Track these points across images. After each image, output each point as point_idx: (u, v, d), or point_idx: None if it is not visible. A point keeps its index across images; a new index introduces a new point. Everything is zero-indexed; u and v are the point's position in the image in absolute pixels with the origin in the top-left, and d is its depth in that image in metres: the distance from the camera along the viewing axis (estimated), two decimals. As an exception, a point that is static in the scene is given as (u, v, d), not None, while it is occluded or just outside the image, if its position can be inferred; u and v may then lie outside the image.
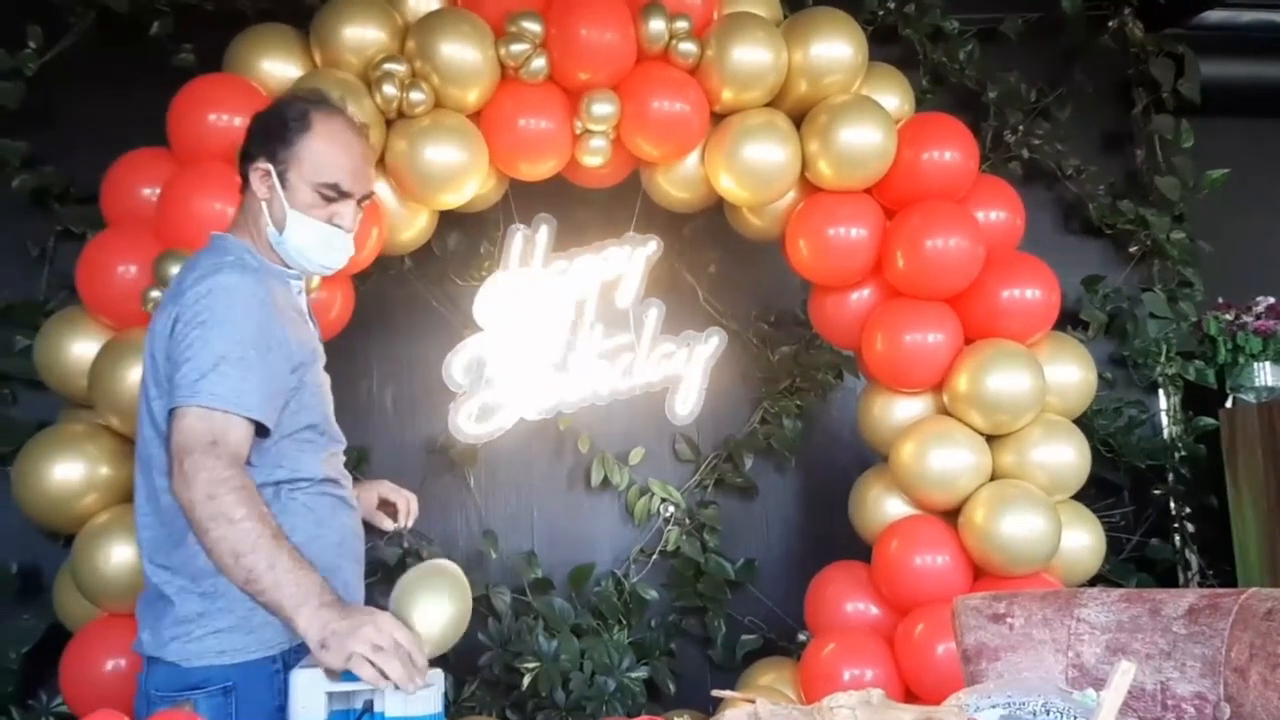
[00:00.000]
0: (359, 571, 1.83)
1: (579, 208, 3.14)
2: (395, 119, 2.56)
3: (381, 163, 2.58)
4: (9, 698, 2.74)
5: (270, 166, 1.72)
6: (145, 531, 1.69)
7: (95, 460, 2.40)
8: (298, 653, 1.61)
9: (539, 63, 2.57)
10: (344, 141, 1.76)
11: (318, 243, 1.75)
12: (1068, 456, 2.72)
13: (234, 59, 2.57)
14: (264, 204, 1.73)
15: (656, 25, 2.60)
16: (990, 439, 2.74)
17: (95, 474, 2.40)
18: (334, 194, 1.74)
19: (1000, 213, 2.82)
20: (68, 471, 2.40)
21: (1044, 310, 2.76)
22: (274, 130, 1.73)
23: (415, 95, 2.51)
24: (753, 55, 2.64)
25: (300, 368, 1.71)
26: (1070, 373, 2.81)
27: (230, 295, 1.60)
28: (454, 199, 2.63)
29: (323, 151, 1.73)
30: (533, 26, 2.55)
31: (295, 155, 1.71)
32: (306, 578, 1.46)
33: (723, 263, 3.38)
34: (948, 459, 2.67)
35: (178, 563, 1.65)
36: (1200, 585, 3.41)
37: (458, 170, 2.55)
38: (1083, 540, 2.73)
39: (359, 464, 3.10)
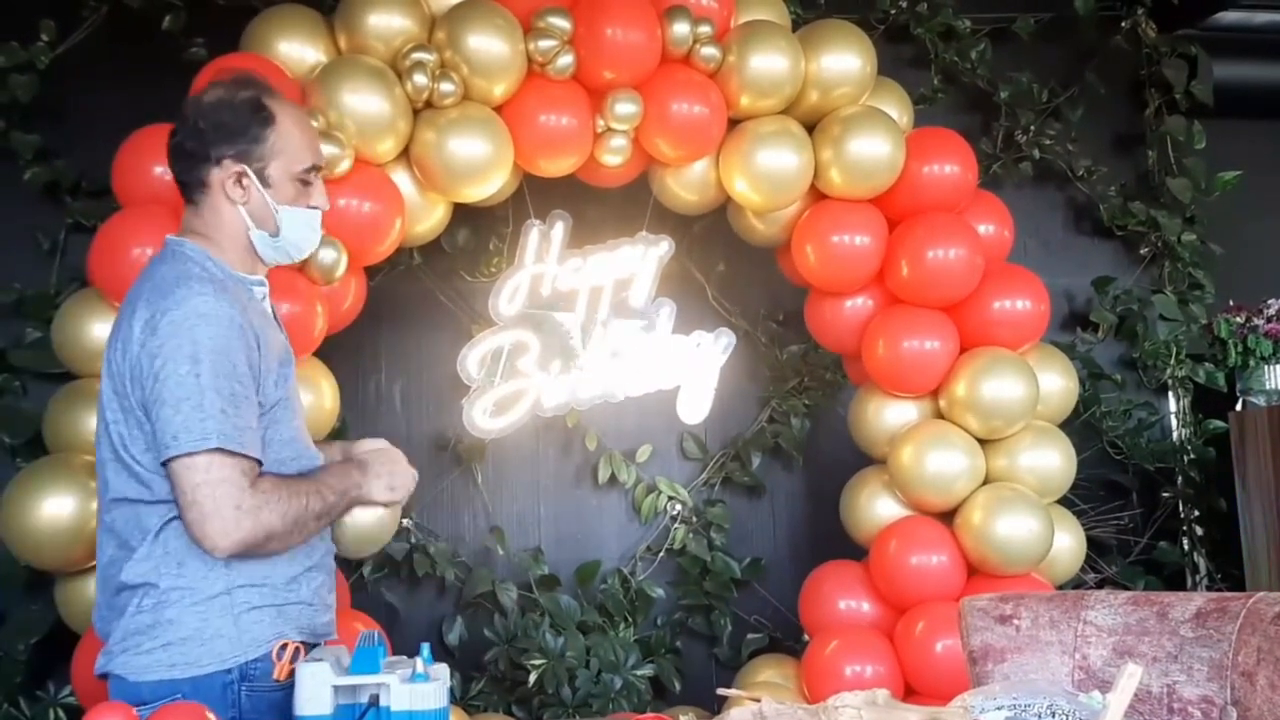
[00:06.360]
0: (334, 586, 1.79)
1: (591, 205, 3.14)
2: (422, 109, 2.55)
3: (406, 154, 2.57)
4: (17, 688, 2.75)
5: (245, 167, 1.64)
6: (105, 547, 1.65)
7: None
8: (258, 664, 1.57)
9: (566, 60, 2.56)
10: (302, 120, 1.71)
11: (308, 230, 1.73)
12: (1055, 462, 2.81)
13: (252, 40, 2.53)
14: (240, 207, 1.65)
15: (681, 29, 2.61)
16: (983, 444, 2.79)
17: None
18: (311, 176, 1.70)
19: (990, 226, 2.88)
20: (58, 507, 2.31)
21: (1034, 320, 2.84)
22: (236, 128, 1.63)
23: (446, 86, 2.49)
24: (772, 63, 2.66)
25: (281, 381, 1.67)
26: (1054, 381, 2.89)
27: (211, 324, 1.54)
28: (479, 192, 2.62)
29: (294, 137, 1.66)
30: (561, 23, 2.55)
31: (270, 150, 1.64)
32: (341, 477, 1.68)
33: (732, 261, 3.38)
34: (945, 462, 2.73)
35: (131, 577, 1.58)
36: (1208, 589, 3.40)
37: (484, 164, 2.54)
38: (1065, 542, 2.82)
39: (367, 459, 3.09)
